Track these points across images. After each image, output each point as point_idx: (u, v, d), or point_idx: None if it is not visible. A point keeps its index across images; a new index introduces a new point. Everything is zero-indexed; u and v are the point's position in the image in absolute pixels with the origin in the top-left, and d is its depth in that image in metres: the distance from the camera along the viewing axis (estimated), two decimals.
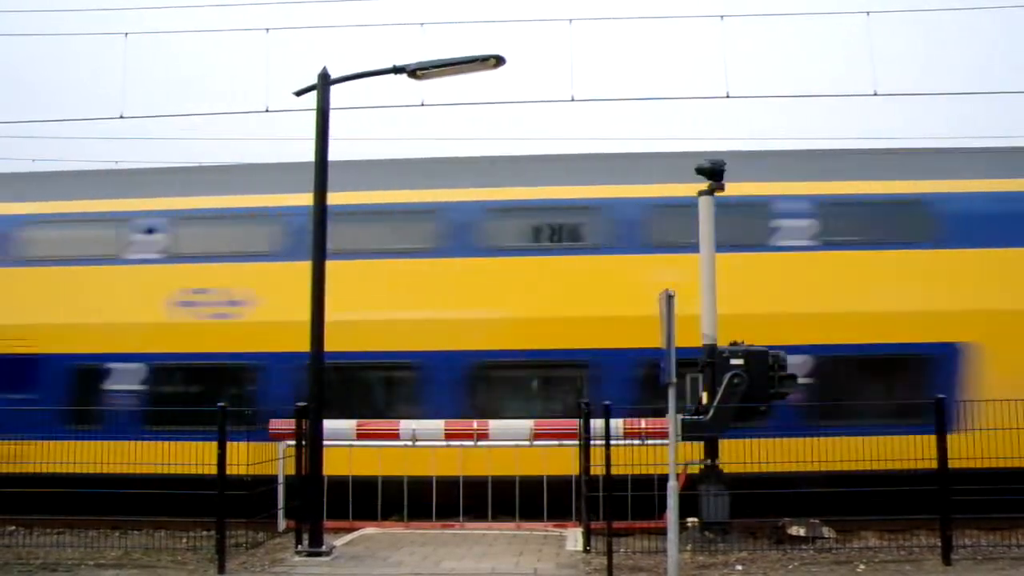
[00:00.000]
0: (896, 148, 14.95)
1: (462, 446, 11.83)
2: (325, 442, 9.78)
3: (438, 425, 12.13)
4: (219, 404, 9.63)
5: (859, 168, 13.58)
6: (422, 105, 11.60)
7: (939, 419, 9.25)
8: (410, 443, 11.95)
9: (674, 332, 8.40)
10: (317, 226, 9.83)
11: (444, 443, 11.94)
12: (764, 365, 10.43)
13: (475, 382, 13.11)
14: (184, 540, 10.64)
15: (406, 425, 12.21)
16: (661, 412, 9.09)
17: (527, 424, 12.05)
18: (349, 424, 12.02)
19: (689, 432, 9.80)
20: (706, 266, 10.81)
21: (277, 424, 11.78)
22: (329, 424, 10.16)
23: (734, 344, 10.68)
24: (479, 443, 11.80)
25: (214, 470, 9.27)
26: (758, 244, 13.02)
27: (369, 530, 11.47)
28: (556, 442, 11.52)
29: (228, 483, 9.30)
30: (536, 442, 11.74)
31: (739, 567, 8.93)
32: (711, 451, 10.49)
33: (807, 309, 12.57)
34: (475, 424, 12.15)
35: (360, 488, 11.72)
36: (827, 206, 13.10)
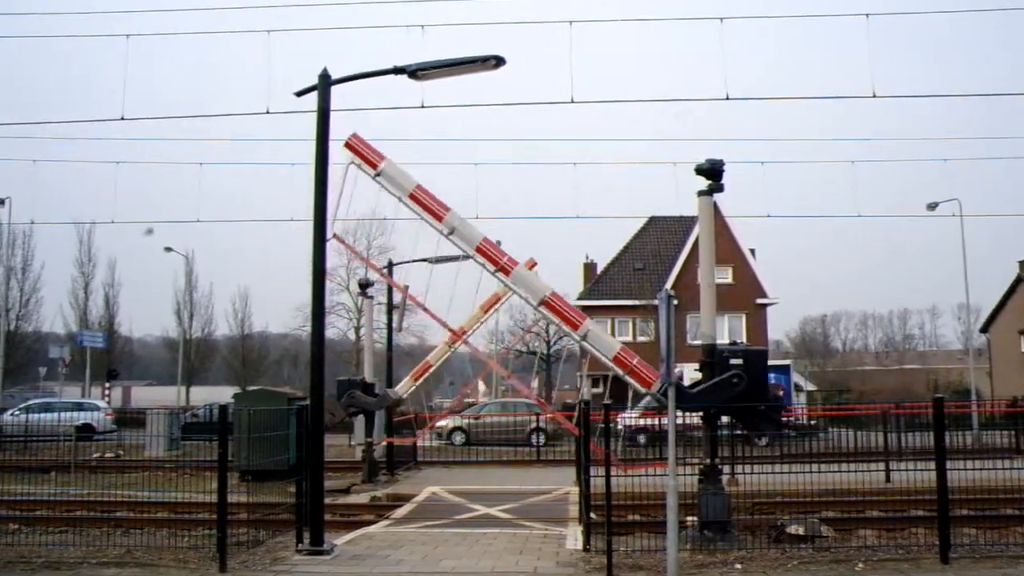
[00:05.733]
0: None
1: None
2: None
3: None
4: (219, 405, 9.69)
5: None
6: (422, 107, 11.63)
7: (938, 419, 9.30)
8: None
9: (672, 332, 8.44)
10: (317, 225, 9.89)
11: None
12: (763, 366, 10.44)
13: None
14: (186, 539, 10.68)
15: None
16: None
17: None
18: None
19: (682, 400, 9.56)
20: (706, 266, 10.85)
21: None
22: None
23: (733, 343, 10.71)
24: None
25: None
26: None
27: (370, 528, 11.52)
28: None
29: None
30: None
31: (738, 566, 8.95)
32: (711, 451, 10.52)
33: None
34: None
35: None
36: None
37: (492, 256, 11.90)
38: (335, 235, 12.34)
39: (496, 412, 31.74)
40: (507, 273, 11.84)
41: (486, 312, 19.89)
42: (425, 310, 13.78)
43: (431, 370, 20.26)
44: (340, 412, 18.07)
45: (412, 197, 12.51)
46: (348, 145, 12.62)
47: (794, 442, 22.45)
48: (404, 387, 20.12)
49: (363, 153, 12.47)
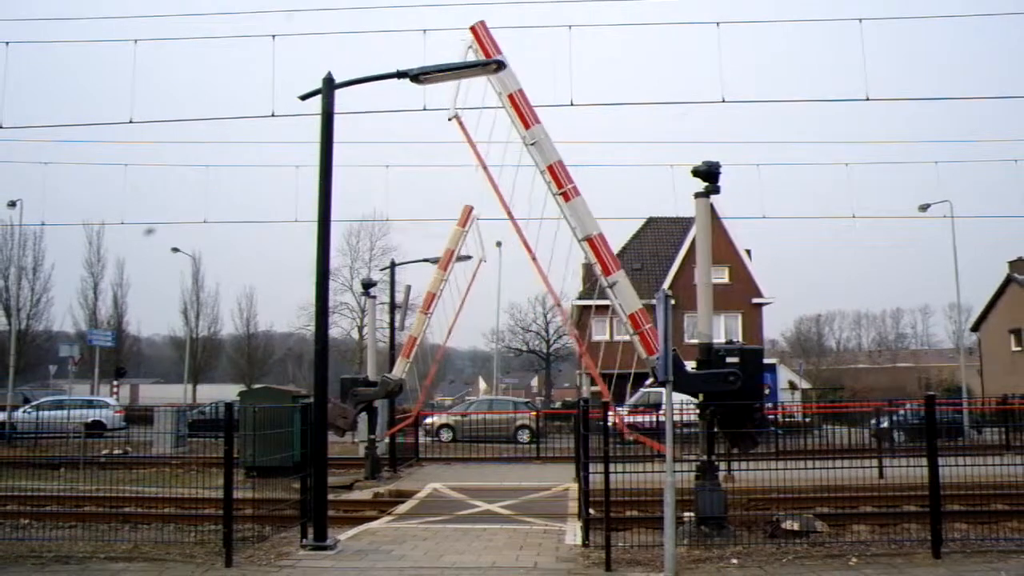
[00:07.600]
0: None
1: None
2: None
3: None
4: (225, 403, 9.86)
5: None
6: (424, 109, 11.82)
7: (929, 416, 9.45)
8: None
9: (670, 331, 8.60)
10: (321, 224, 10.07)
11: None
12: (759, 365, 10.58)
13: None
14: (192, 534, 10.85)
15: None
16: None
17: None
18: None
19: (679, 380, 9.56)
20: (703, 266, 11.01)
21: None
22: None
23: (730, 342, 10.86)
24: None
25: None
26: None
27: (373, 524, 11.68)
28: None
29: None
30: None
31: (734, 561, 9.07)
32: (708, 447, 10.67)
33: None
34: None
35: None
36: None
37: (560, 179, 12.11)
38: (456, 115, 12.77)
39: (483, 410, 32.66)
40: (567, 199, 12.07)
41: (444, 270, 20.19)
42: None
43: (417, 343, 20.53)
44: (352, 412, 18.20)
45: (511, 98, 12.58)
46: (473, 30, 12.73)
47: (789, 439, 22.61)
48: (399, 368, 20.24)
49: (483, 42, 12.55)
